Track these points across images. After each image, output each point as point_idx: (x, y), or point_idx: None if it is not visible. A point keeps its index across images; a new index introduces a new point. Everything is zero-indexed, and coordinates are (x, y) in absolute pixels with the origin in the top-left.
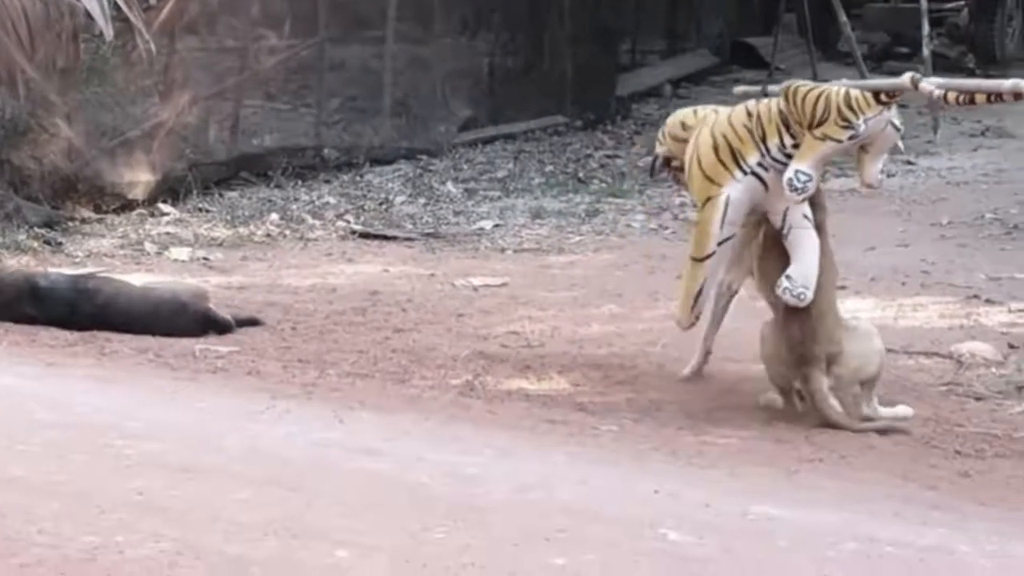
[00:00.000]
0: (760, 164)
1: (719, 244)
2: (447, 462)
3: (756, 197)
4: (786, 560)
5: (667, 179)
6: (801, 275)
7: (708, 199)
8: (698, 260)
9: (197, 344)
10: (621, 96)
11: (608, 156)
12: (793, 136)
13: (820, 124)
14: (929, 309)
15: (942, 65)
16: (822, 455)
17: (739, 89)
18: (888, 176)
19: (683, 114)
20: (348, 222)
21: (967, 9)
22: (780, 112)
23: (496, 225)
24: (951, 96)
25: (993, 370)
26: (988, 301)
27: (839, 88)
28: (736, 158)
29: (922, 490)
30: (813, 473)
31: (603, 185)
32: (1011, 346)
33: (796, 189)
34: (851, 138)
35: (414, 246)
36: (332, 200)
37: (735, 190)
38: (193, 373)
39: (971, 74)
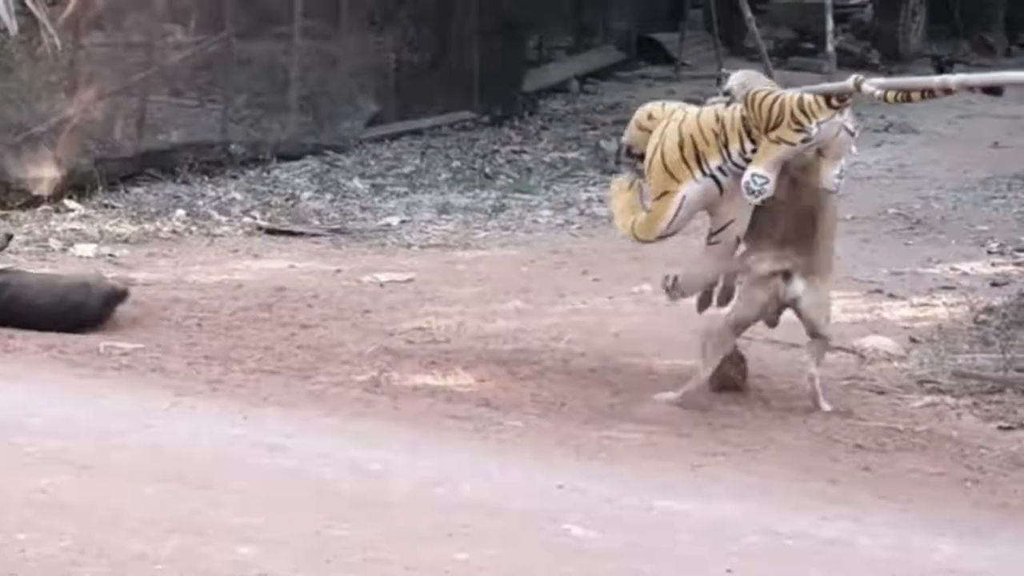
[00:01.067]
0: (720, 168)
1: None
2: (352, 458)
3: (709, 199)
4: (689, 553)
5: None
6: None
7: (665, 193)
8: (640, 240)
9: (102, 341)
10: (528, 92)
11: (515, 152)
12: (753, 141)
13: (775, 128)
14: (832, 304)
15: (847, 61)
16: (725, 449)
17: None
18: None
19: (651, 106)
20: (254, 218)
21: (871, 5)
22: (743, 118)
23: (403, 221)
24: (890, 95)
25: (895, 364)
26: (891, 296)
27: (793, 93)
28: (699, 159)
29: (823, 483)
30: (716, 467)
31: (510, 181)
32: (913, 340)
33: (753, 192)
34: (804, 141)
35: (320, 242)
36: (239, 196)
37: (692, 190)
38: (97, 370)
39: (875, 69)
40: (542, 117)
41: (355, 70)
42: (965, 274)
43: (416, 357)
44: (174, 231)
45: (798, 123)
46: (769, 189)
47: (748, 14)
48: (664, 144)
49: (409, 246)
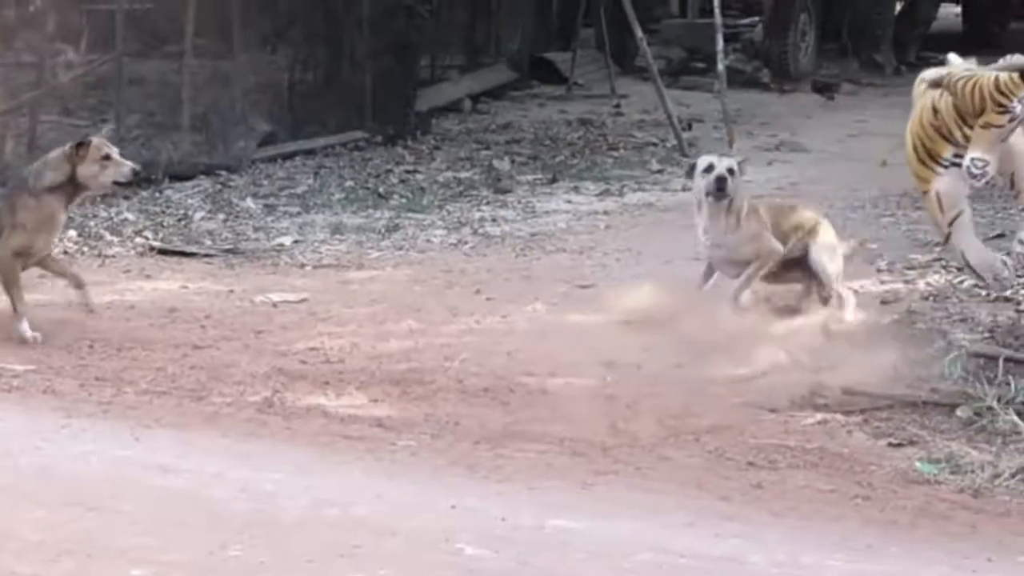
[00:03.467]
0: (956, 154)
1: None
2: (244, 479)
3: (962, 183)
4: (582, 572)
5: None
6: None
7: (924, 192)
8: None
9: None
10: (421, 111)
11: (408, 171)
12: (969, 126)
13: (981, 113)
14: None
15: (737, 80)
16: (617, 468)
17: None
18: (683, 190)
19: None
20: (147, 238)
21: (762, 25)
22: (954, 105)
23: (296, 241)
24: None
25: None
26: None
27: (988, 74)
28: (933, 156)
29: (715, 501)
30: (608, 485)
31: (403, 200)
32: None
33: (975, 176)
34: (1010, 120)
35: (213, 262)
36: (131, 216)
37: (941, 183)
38: None
39: (766, 89)
40: (435, 136)
41: (248, 89)
42: (855, 292)
43: (309, 377)
44: (65, 252)
45: (1000, 105)
46: (991, 171)
47: (639, 34)
48: (906, 151)
49: (302, 266)
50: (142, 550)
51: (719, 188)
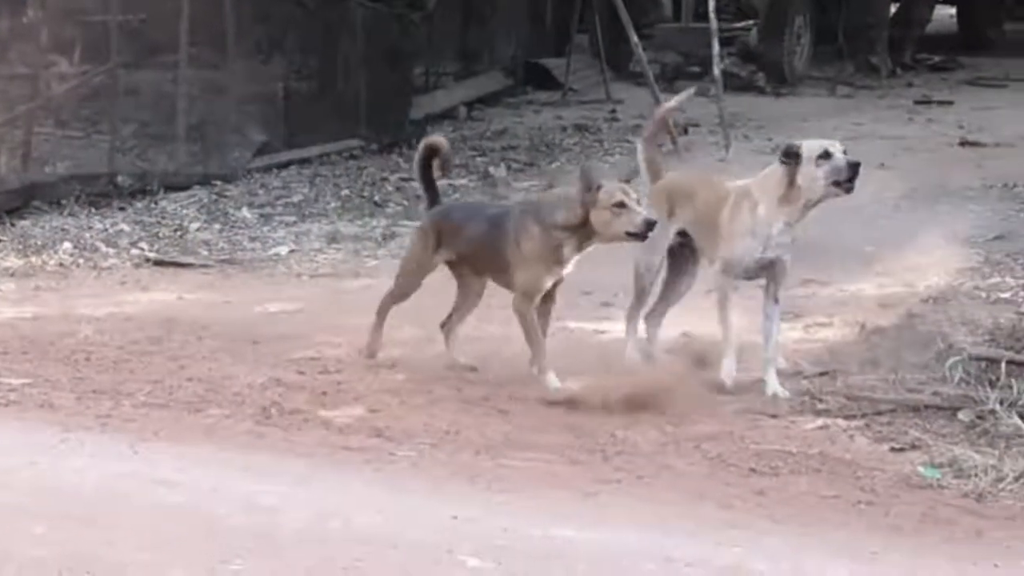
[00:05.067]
0: None
1: None
2: (244, 492)
3: None
4: None
5: None
6: None
7: None
8: None
9: None
10: (416, 119)
11: (403, 179)
12: None
13: None
14: None
15: (733, 84)
16: (619, 476)
17: None
18: None
19: None
20: (143, 250)
21: (756, 29)
22: None
23: (292, 250)
24: None
25: (787, 387)
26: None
27: None
28: None
29: (718, 509)
30: (611, 494)
31: (399, 208)
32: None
33: None
34: None
35: (209, 273)
36: (126, 228)
37: None
38: None
39: (762, 92)
40: None
41: (243, 99)
42: (854, 295)
43: (307, 388)
44: (61, 264)
45: None
46: None
47: (634, 39)
48: None
49: (299, 275)
50: (142, 566)
51: (853, 176)
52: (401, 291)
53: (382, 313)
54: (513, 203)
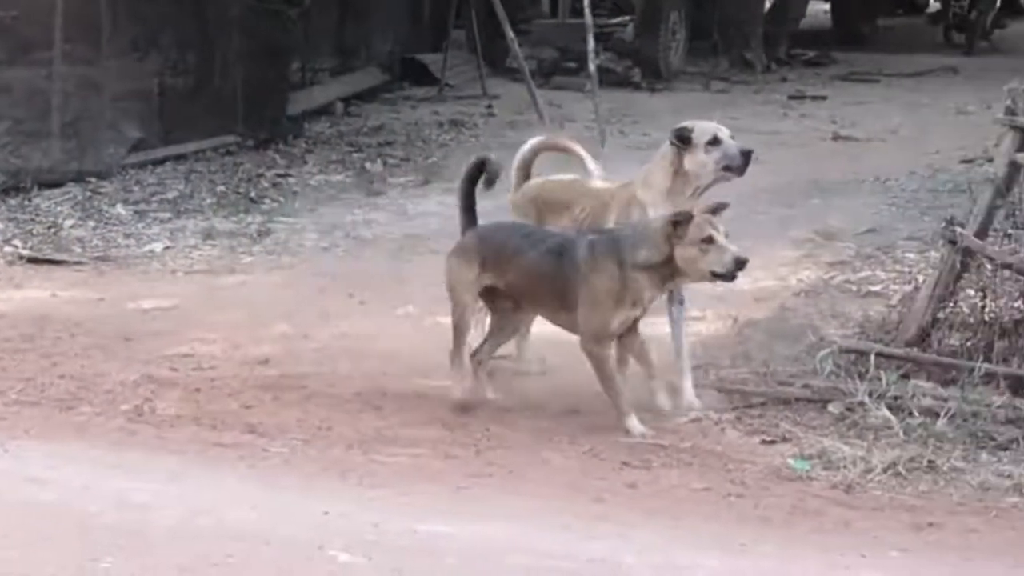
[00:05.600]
0: None
1: None
2: (115, 489)
3: None
4: None
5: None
6: None
7: None
8: None
9: None
10: (292, 115)
11: (280, 175)
12: None
13: None
14: None
15: (609, 80)
16: (491, 470)
17: None
18: None
19: None
20: (16, 247)
21: (632, 25)
22: None
23: (167, 247)
24: None
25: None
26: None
27: None
28: None
29: (590, 502)
30: (483, 488)
31: (275, 204)
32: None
33: None
34: None
35: (83, 270)
36: (0, 225)
37: None
38: None
39: (637, 88)
40: (307, 140)
41: (118, 96)
42: (727, 289)
43: (181, 385)
44: None
45: None
46: None
47: (510, 35)
48: None
49: (174, 272)
50: (11, 563)
51: (746, 163)
52: (462, 327)
53: (457, 359)
54: (576, 231)
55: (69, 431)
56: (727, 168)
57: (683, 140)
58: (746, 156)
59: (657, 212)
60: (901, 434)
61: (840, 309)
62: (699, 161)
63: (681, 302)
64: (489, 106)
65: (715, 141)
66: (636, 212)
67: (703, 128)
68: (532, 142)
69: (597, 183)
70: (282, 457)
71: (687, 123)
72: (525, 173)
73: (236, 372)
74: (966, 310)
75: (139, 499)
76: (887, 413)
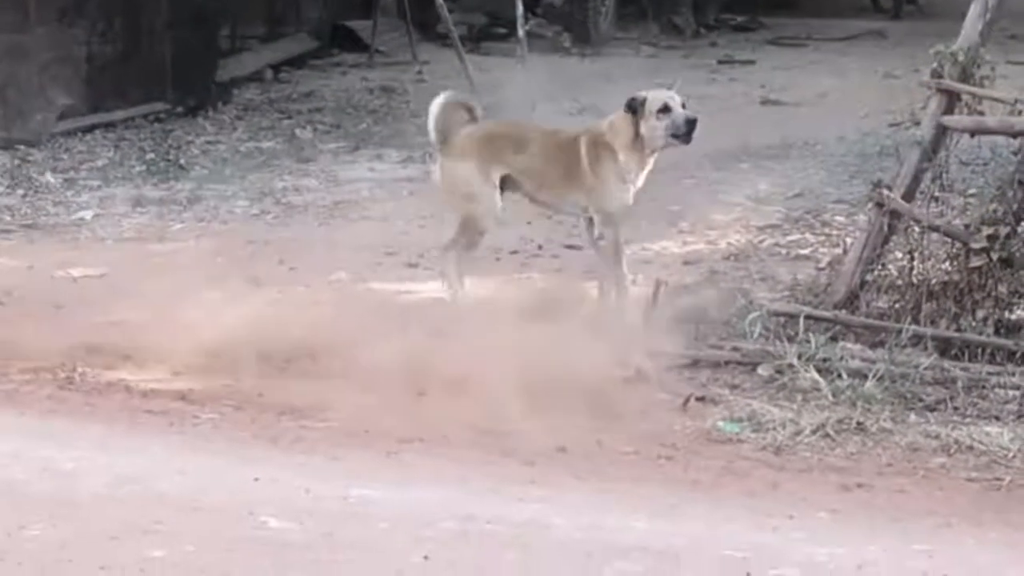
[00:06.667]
0: None
1: None
2: (43, 457)
3: None
4: (386, 541)
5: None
6: None
7: None
8: None
9: None
10: (222, 81)
11: (209, 142)
12: None
13: None
14: None
15: (539, 46)
16: (422, 435)
17: None
18: None
19: None
20: None
21: None
22: None
23: (96, 215)
24: None
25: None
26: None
27: None
28: None
29: (521, 466)
30: (413, 453)
31: (204, 172)
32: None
33: None
34: None
35: (12, 238)
36: None
37: None
38: None
39: (567, 53)
40: (237, 107)
41: (46, 63)
42: (658, 253)
43: (110, 352)
44: None
45: None
46: None
47: (440, 0)
48: None
49: (103, 240)
50: None
51: (690, 131)
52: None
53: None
54: None
55: None
56: (674, 135)
57: (633, 110)
58: (690, 124)
59: (626, 158)
60: (830, 396)
61: (769, 272)
62: (651, 126)
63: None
64: (419, 72)
65: (665, 109)
66: (607, 154)
67: (655, 96)
68: (440, 99)
69: (546, 125)
70: (212, 423)
71: (642, 92)
72: (442, 126)
73: (166, 340)
74: (894, 272)
75: (68, 467)
76: (816, 375)
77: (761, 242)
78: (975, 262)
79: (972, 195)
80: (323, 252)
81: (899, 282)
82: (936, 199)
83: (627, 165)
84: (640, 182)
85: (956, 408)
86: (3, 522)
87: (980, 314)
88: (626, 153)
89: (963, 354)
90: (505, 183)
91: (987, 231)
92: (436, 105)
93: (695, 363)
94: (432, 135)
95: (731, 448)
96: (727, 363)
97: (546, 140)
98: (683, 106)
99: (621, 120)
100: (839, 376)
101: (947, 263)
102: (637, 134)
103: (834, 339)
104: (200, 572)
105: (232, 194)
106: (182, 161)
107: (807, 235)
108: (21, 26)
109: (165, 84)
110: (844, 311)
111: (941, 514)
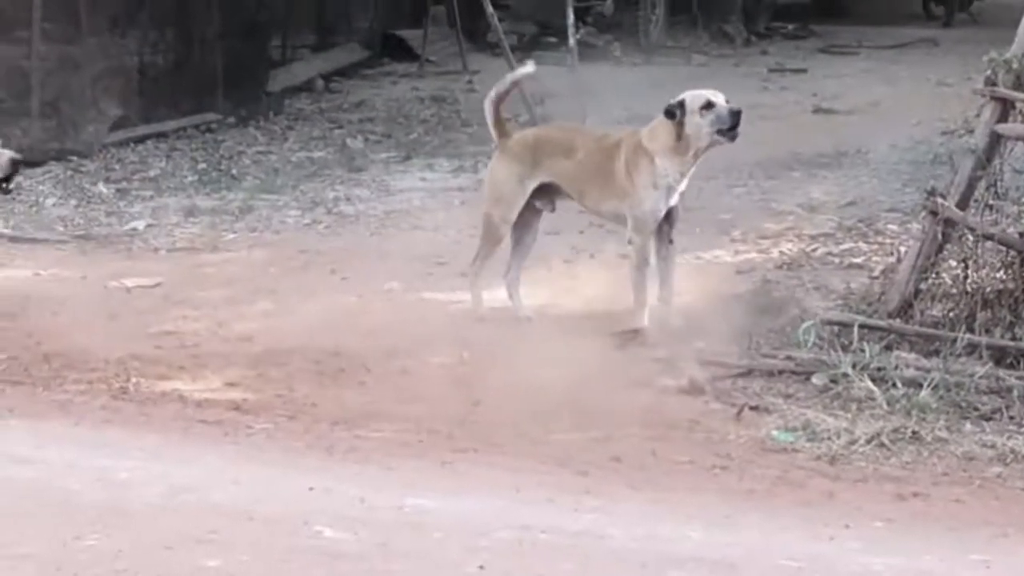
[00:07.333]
0: None
1: None
2: (98, 467)
3: None
4: (440, 551)
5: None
6: None
7: None
8: None
9: None
10: (273, 91)
11: (261, 152)
12: None
13: None
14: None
15: (589, 55)
16: (476, 445)
17: None
18: None
19: None
20: None
21: None
22: None
23: (149, 225)
24: None
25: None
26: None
27: None
28: None
29: (575, 476)
30: (467, 463)
31: (256, 181)
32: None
33: None
34: None
35: (65, 249)
36: None
37: None
38: None
39: (618, 62)
40: (288, 117)
41: (98, 74)
42: (710, 262)
43: (164, 362)
44: None
45: None
46: None
47: (490, 9)
48: None
49: (156, 250)
50: None
51: (736, 124)
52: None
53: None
54: None
55: (53, 409)
56: (720, 131)
57: (672, 114)
58: (735, 116)
59: (663, 163)
60: (884, 405)
61: (822, 281)
62: (695, 124)
63: (671, 241)
64: (469, 81)
65: (708, 105)
66: (644, 160)
67: (695, 95)
68: (492, 94)
69: (600, 130)
70: (266, 433)
71: (680, 96)
72: (501, 126)
73: (219, 349)
74: (948, 281)
75: (123, 477)
76: (870, 384)
77: (814, 251)
78: None
79: None
80: (375, 262)
81: (953, 291)
82: (990, 207)
83: (664, 170)
84: (682, 186)
85: (1012, 417)
86: (58, 532)
87: None
88: (664, 158)
89: (1018, 363)
90: (552, 190)
91: None
92: (488, 103)
93: (749, 372)
94: (493, 132)
95: (786, 458)
96: (781, 372)
97: (591, 145)
98: (726, 101)
99: (661, 125)
100: (893, 385)
101: (1001, 271)
102: (679, 137)
103: (888, 348)
104: None
105: (284, 204)
106: (234, 171)
107: (860, 244)
108: (73, 37)
109: (216, 94)
110: (898, 320)
111: (997, 524)
